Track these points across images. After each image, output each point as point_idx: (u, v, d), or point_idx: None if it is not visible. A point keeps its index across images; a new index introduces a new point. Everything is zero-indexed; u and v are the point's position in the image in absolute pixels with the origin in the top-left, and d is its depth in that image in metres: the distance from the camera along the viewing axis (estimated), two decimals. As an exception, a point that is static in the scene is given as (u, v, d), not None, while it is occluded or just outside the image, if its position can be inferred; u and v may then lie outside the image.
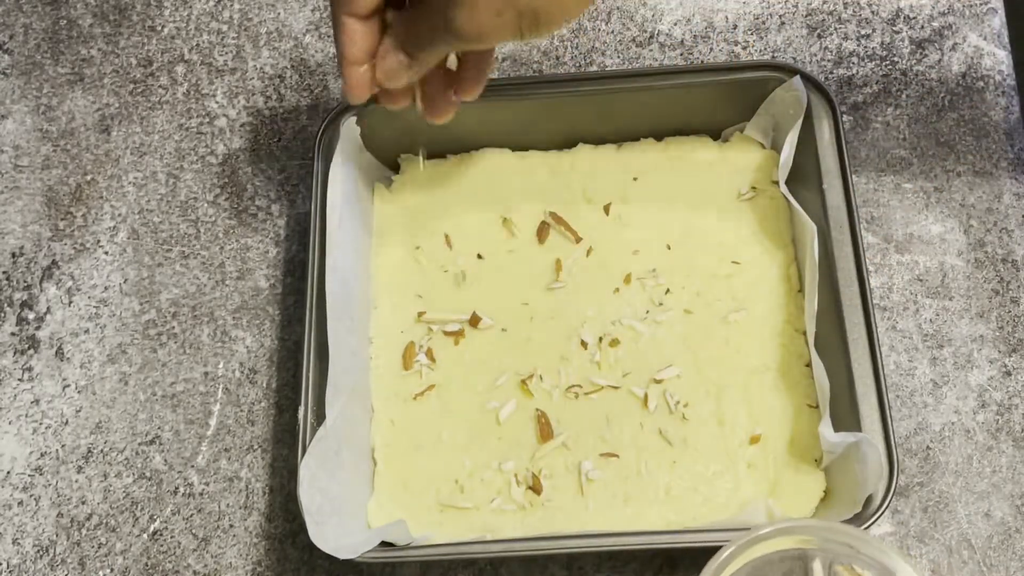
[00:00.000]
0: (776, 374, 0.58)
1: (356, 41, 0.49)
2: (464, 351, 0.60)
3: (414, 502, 0.57)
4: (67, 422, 0.62)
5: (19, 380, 0.63)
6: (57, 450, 0.62)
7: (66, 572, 0.59)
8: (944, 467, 0.57)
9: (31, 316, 0.65)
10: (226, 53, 0.72)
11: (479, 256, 0.62)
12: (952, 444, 0.57)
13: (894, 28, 0.68)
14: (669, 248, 0.61)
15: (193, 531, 0.59)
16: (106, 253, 0.66)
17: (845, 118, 0.64)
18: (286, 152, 0.68)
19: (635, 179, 0.63)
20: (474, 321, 0.60)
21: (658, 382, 0.58)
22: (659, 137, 0.64)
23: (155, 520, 0.60)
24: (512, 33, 0.44)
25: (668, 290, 0.60)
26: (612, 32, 0.70)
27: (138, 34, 0.73)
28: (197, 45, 0.72)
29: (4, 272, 0.67)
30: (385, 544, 0.54)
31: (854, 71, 0.67)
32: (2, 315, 0.65)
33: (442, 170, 0.64)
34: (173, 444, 0.61)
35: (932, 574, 0.55)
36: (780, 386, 0.57)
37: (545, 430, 0.57)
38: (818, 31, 0.68)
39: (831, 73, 0.67)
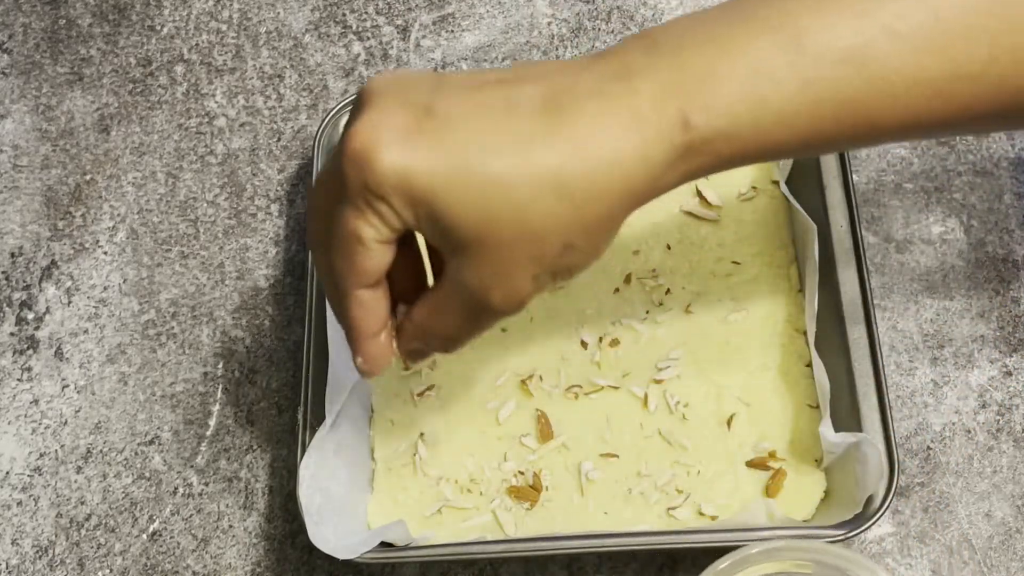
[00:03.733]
0: (776, 374, 0.58)
1: (371, 312, 0.43)
2: (464, 351, 0.60)
3: (414, 502, 0.57)
4: (66, 422, 0.62)
5: (18, 380, 0.63)
6: (56, 450, 0.61)
7: (65, 573, 0.59)
8: (945, 467, 0.57)
9: (30, 316, 0.65)
10: (225, 53, 0.72)
11: (479, 256, 0.62)
12: (953, 444, 0.57)
13: (894, 28, 0.68)
14: (669, 248, 0.61)
15: (192, 531, 0.59)
16: (105, 253, 0.66)
17: (845, 118, 0.64)
18: (286, 152, 0.68)
19: (635, 179, 0.63)
20: (474, 321, 0.60)
21: (658, 382, 0.58)
22: (659, 137, 0.64)
23: (154, 520, 0.60)
24: (548, 288, 0.41)
25: (668, 290, 0.60)
26: (612, 32, 0.70)
27: (137, 34, 0.73)
28: (196, 45, 0.72)
29: (3, 272, 0.66)
30: (385, 544, 0.53)
31: (854, 71, 0.67)
32: (1, 315, 0.65)
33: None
34: (172, 444, 0.61)
35: (932, 575, 0.55)
36: (780, 386, 0.57)
37: (545, 430, 0.57)
38: (818, 31, 0.68)
39: (831, 73, 0.67)
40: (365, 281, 0.41)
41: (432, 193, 0.38)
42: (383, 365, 0.45)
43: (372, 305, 0.43)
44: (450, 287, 0.41)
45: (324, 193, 0.41)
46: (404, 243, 0.42)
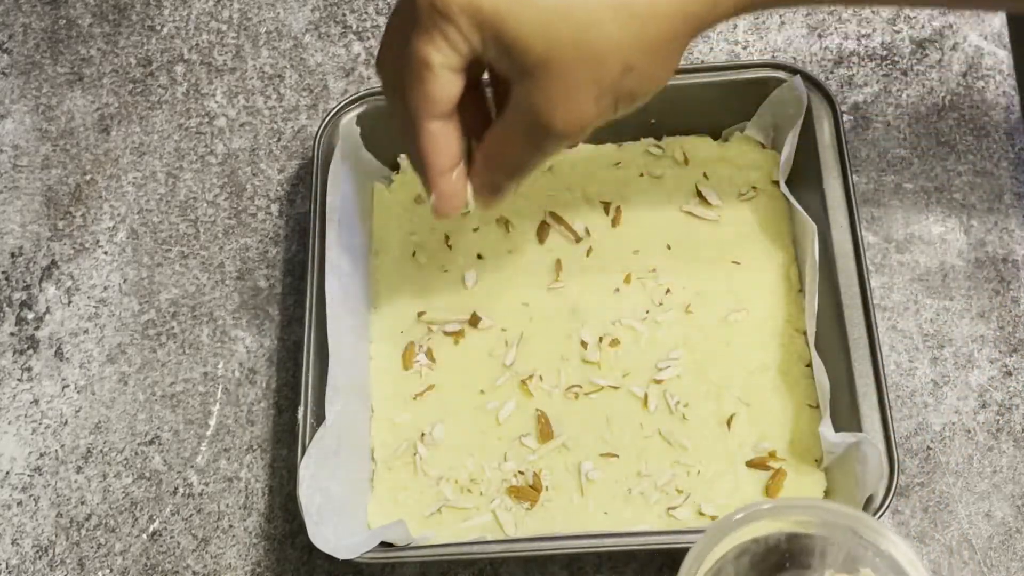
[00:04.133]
0: (776, 374, 0.58)
1: (443, 147, 0.44)
2: (464, 351, 0.60)
3: (414, 502, 0.57)
4: (66, 422, 0.62)
5: (18, 380, 0.63)
6: (56, 450, 0.62)
7: (65, 572, 0.59)
8: (944, 467, 0.57)
9: (30, 316, 0.65)
10: (225, 53, 0.72)
11: (479, 256, 0.62)
12: (952, 444, 0.57)
13: (894, 28, 0.68)
14: (669, 248, 0.61)
15: (192, 531, 0.59)
16: (105, 253, 0.66)
17: (845, 118, 0.64)
18: (286, 152, 0.68)
19: (635, 179, 0.63)
20: (474, 321, 0.60)
21: (658, 382, 0.58)
22: (659, 137, 0.64)
23: (154, 520, 0.60)
24: (609, 116, 0.43)
25: (668, 290, 0.60)
26: (612, 32, 0.70)
27: (137, 34, 0.73)
28: (196, 45, 0.72)
29: (3, 272, 0.66)
30: (385, 544, 0.53)
31: (854, 71, 0.67)
32: (1, 315, 0.65)
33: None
34: (172, 444, 0.61)
35: (933, 575, 0.55)
36: (780, 386, 0.57)
37: (545, 430, 0.57)
38: (818, 31, 0.68)
39: (831, 73, 0.67)
40: (435, 111, 0.42)
41: (498, 15, 0.39)
42: (457, 204, 0.46)
43: (443, 139, 0.44)
44: (515, 112, 0.42)
45: (395, 25, 0.43)
46: (470, 86, 0.44)
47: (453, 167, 0.45)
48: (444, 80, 0.42)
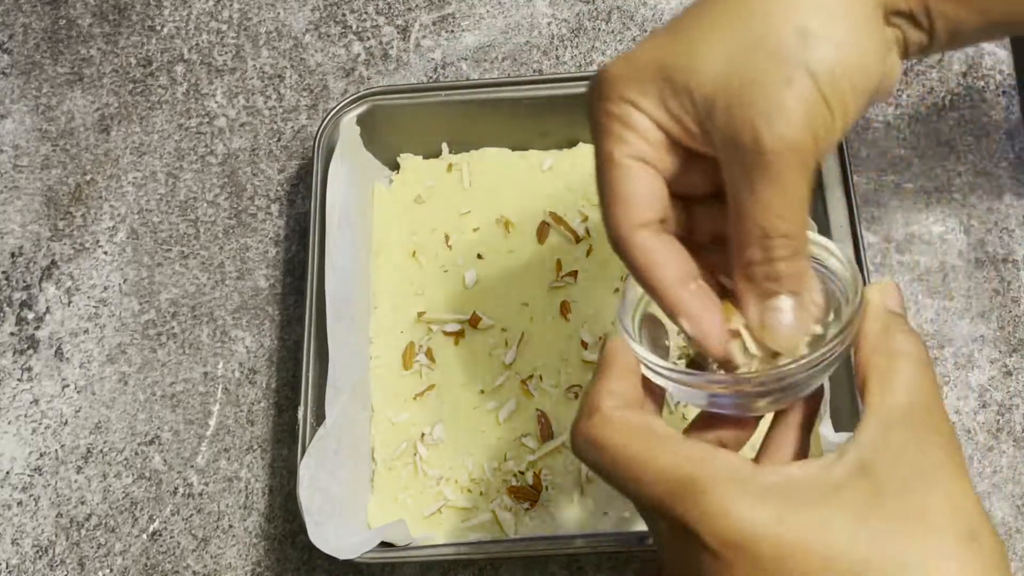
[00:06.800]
0: (776, 374, 0.58)
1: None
2: (464, 351, 0.60)
3: (414, 502, 0.57)
4: (66, 422, 0.62)
5: (18, 380, 0.63)
6: (56, 450, 0.62)
7: (65, 572, 0.59)
8: (944, 467, 0.57)
9: (30, 316, 0.65)
10: (225, 53, 0.72)
11: (479, 256, 0.62)
12: (952, 444, 0.57)
13: (894, 28, 0.68)
14: (669, 248, 0.61)
15: (192, 531, 0.59)
16: (105, 253, 0.66)
17: (845, 118, 0.64)
18: (286, 152, 0.68)
19: (635, 179, 0.63)
20: (474, 321, 0.60)
21: (658, 382, 0.58)
22: (659, 137, 0.64)
23: (154, 520, 0.60)
24: (826, 116, 0.35)
25: (668, 290, 0.60)
26: (612, 32, 0.70)
27: (137, 34, 0.73)
28: (196, 45, 0.72)
29: (3, 272, 0.66)
30: (385, 544, 0.53)
31: (854, 71, 0.67)
32: (1, 315, 0.65)
33: (442, 170, 0.64)
34: (173, 444, 0.61)
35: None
36: (780, 386, 0.57)
37: (545, 430, 0.57)
38: (818, 31, 0.68)
39: (831, 73, 0.67)
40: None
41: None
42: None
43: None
44: (726, 168, 0.37)
45: None
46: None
47: None
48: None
